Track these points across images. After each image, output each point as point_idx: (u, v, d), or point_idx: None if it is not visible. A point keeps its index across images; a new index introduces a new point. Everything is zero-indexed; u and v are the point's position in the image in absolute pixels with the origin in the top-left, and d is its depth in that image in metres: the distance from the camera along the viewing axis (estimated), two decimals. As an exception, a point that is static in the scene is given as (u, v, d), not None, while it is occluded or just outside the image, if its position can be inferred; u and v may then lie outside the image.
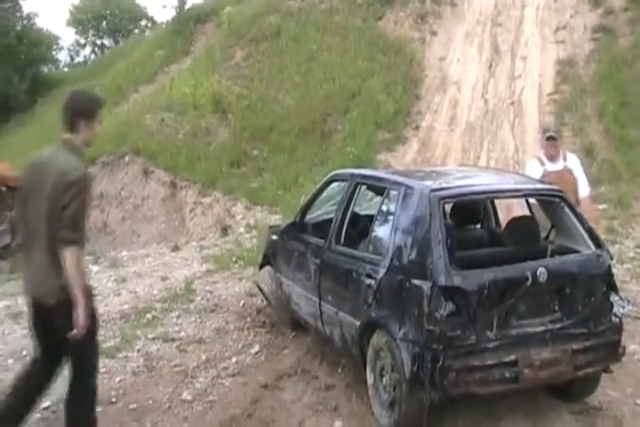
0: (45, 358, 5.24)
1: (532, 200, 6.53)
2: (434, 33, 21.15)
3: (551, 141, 7.57)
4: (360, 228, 6.59)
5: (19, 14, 38.33)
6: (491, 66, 19.08)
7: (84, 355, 5.06)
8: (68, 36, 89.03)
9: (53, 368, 5.26)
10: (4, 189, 15.15)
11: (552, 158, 7.58)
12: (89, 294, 4.87)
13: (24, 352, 7.58)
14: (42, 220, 4.74)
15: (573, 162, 7.70)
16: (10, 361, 7.41)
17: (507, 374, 5.12)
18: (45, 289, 4.86)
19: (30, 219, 4.86)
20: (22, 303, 9.33)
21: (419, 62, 20.03)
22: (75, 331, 4.67)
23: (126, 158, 18.08)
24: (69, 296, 4.67)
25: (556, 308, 5.39)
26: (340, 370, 6.69)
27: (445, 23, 21.39)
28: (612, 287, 5.62)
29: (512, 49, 19.39)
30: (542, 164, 7.60)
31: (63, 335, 4.75)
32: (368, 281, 5.72)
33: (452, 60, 19.84)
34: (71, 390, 5.13)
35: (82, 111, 4.95)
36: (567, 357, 5.28)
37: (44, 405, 6.27)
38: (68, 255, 4.62)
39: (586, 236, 5.79)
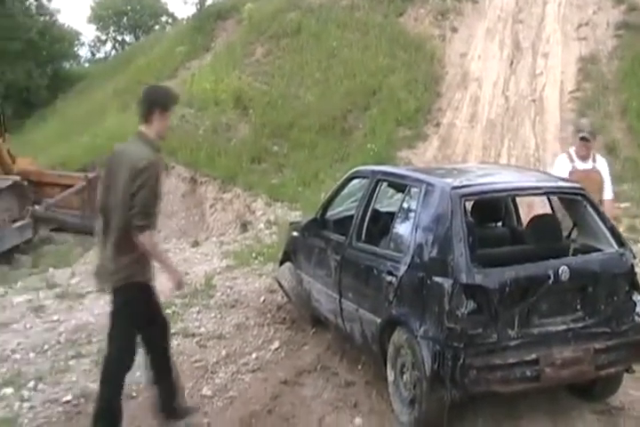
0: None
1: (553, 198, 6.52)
2: (454, 29, 21.06)
3: (583, 142, 7.53)
4: (381, 225, 6.58)
5: (41, 10, 38.56)
6: (512, 63, 18.98)
7: (117, 344, 5.27)
8: (89, 33, 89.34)
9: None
10: (25, 183, 15.23)
11: (582, 158, 7.56)
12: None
13: (45, 346, 7.64)
14: (115, 209, 5.02)
15: (602, 164, 7.69)
16: (31, 355, 7.45)
17: (528, 373, 5.10)
18: (107, 275, 5.21)
19: (108, 208, 5.12)
20: (44, 297, 9.44)
21: (439, 59, 19.95)
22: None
23: (147, 154, 18.13)
24: (124, 284, 5.07)
25: (579, 307, 5.37)
26: (360, 367, 6.69)
27: (466, 20, 21.30)
28: (635, 286, 5.58)
29: (533, 46, 19.28)
30: (572, 160, 7.57)
31: (113, 319, 5.23)
32: (389, 278, 5.72)
33: (473, 57, 19.75)
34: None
35: (157, 103, 5.14)
36: (589, 356, 5.25)
37: (66, 398, 6.31)
38: (145, 241, 4.91)
39: (608, 234, 5.75)
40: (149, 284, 5.29)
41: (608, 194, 7.59)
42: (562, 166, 7.51)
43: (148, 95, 5.25)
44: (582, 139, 7.52)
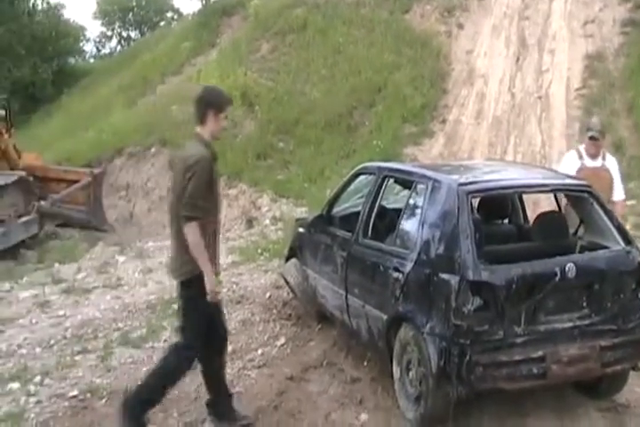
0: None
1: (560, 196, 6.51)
2: (460, 26, 21.01)
3: (592, 141, 7.47)
4: (387, 221, 6.58)
5: (47, 6, 38.60)
6: (518, 59, 18.93)
7: (187, 331, 5.42)
8: (94, 28, 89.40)
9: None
10: (31, 178, 15.25)
11: (592, 156, 7.49)
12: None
13: (51, 341, 7.68)
14: (173, 205, 5.32)
15: (612, 163, 7.60)
16: (38, 350, 7.49)
17: (534, 370, 5.11)
18: (172, 269, 5.57)
19: (170, 206, 5.43)
20: (50, 293, 9.47)
21: (445, 56, 19.91)
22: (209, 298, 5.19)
23: (152, 150, 18.17)
24: (187, 278, 5.25)
25: (585, 304, 5.37)
26: (365, 363, 6.71)
27: (472, 16, 21.23)
28: (642, 284, 5.58)
29: (539, 43, 19.22)
30: (581, 157, 7.50)
31: (180, 313, 5.49)
32: (395, 275, 5.72)
33: (479, 54, 19.71)
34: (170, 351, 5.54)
35: (211, 104, 5.38)
36: (595, 353, 5.25)
37: (72, 393, 6.34)
38: (188, 231, 5.09)
39: (615, 232, 5.75)
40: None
41: (619, 194, 7.49)
42: (570, 163, 7.45)
43: (203, 97, 5.47)
44: (591, 138, 7.45)
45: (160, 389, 5.45)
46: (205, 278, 5.13)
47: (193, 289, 5.24)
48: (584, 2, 19.93)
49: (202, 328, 5.38)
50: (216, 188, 5.38)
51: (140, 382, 5.62)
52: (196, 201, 5.10)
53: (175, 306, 8.39)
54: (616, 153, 13.01)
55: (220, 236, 13.09)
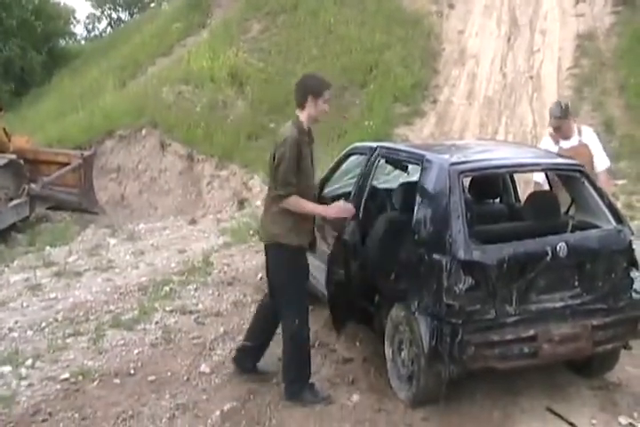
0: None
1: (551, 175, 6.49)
2: (452, 6, 20.92)
3: (555, 131, 7.40)
4: (379, 201, 6.56)
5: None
6: (509, 39, 18.89)
7: (284, 298, 5.75)
8: (84, 9, 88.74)
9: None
10: (22, 161, 15.17)
11: (565, 137, 7.38)
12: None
13: (43, 324, 7.65)
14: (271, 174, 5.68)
15: (589, 136, 7.46)
16: (29, 333, 7.46)
17: (526, 350, 5.12)
18: (262, 232, 6.01)
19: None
20: (41, 276, 9.44)
21: (437, 35, 19.85)
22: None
23: (143, 131, 18.06)
24: (275, 241, 5.66)
25: (576, 283, 5.37)
26: (358, 344, 6.72)
27: (464, -4, 21.16)
28: (633, 263, 5.58)
29: (531, 22, 19.18)
30: (557, 142, 7.41)
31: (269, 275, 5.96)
32: (387, 255, 5.71)
33: (471, 34, 19.65)
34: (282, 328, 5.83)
35: (309, 89, 5.65)
36: (586, 332, 5.26)
37: (64, 376, 6.33)
38: (289, 206, 5.52)
39: (606, 211, 5.75)
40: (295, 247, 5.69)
41: (601, 164, 7.31)
42: (548, 149, 7.36)
43: (302, 82, 5.77)
44: (557, 118, 7.36)
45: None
46: (327, 212, 5.77)
47: (271, 254, 5.83)
48: (576, -19, 19.86)
49: (295, 291, 5.73)
50: (307, 166, 5.63)
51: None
52: (287, 178, 5.45)
53: (167, 288, 8.45)
54: (607, 132, 13.08)
55: (212, 217, 13.18)
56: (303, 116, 5.69)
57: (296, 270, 5.72)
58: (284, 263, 5.71)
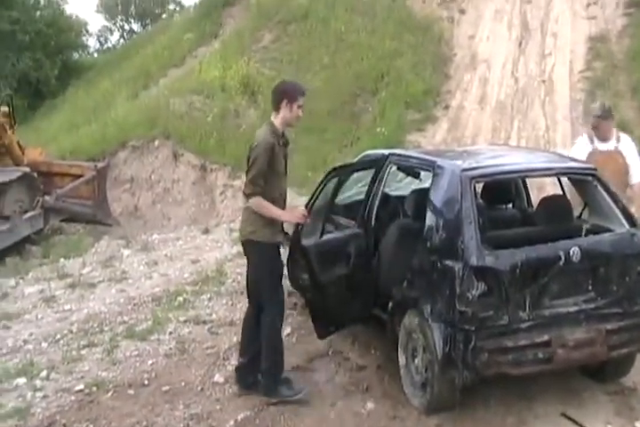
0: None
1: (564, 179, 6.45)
2: (462, 11, 20.88)
3: (598, 120, 7.28)
4: (391, 208, 6.55)
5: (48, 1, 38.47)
6: (520, 43, 18.82)
7: (263, 294, 5.99)
8: (97, 22, 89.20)
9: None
10: (35, 174, 15.25)
11: (603, 139, 7.28)
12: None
13: (57, 336, 7.67)
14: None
15: (627, 144, 7.33)
16: (44, 345, 7.48)
17: (540, 355, 5.09)
18: (240, 230, 6.23)
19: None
20: (55, 287, 9.46)
21: (447, 41, 19.80)
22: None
23: (156, 142, 18.12)
24: (251, 238, 5.92)
25: (590, 287, 5.33)
26: (372, 351, 6.69)
27: (474, 1, 21.06)
28: (647, 266, 5.53)
29: (542, 26, 19.10)
30: (592, 141, 7.32)
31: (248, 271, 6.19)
32: (399, 262, 5.69)
33: (482, 39, 19.59)
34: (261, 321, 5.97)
35: (285, 93, 5.91)
36: (601, 337, 5.23)
37: (78, 388, 6.33)
38: (253, 206, 5.79)
39: (620, 214, 5.71)
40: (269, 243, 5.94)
41: (637, 177, 7.15)
42: (581, 148, 7.22)
43: (278, 88, 6.02)
44: (597, 117, 7.30)
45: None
46: (285, 218, 5.91)
47: (247, 251, 6.13)
48: (587, -16, 19.79)
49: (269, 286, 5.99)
50: (279, 168, 5.87)
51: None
52: (256, 179, 5.70)
53: (181, 298, 8.45)
54: (621, 135, 12.94)
55: (225, 226, 13.14)
56: (278, 119, 5.91)
57: (272, 266, 5.97)
58: (261, 260, 5.96)
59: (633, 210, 6.12)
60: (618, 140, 7.30)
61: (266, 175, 5.72)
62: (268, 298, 5.93)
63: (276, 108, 5.91)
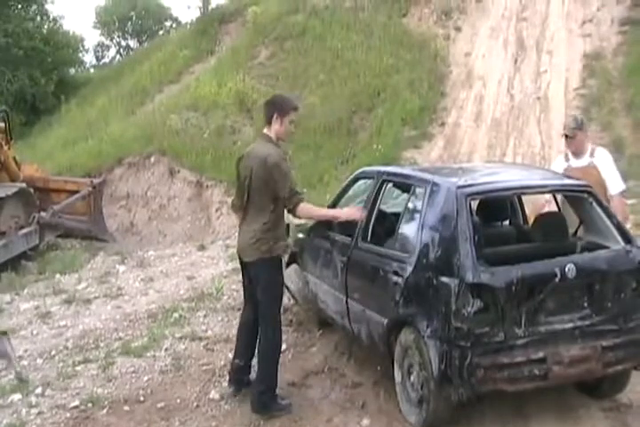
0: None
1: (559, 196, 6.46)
2: (458, 29, 21.04)
3: (568, 140, 7.33)
4: (387, 225, 6.56)
5: (45, 17, 38.54)
6: (516, 61, 18.96)
7: (272, 310, 6.07)
8: (93, 38, 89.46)
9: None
10: (31, 190, 15.24)
11: (576, 154, 7.23)
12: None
13: (53, 352, 7.66)
14: (251, 193, 6.01)
15: (602, 158, 7.22)
16: (39, 361, 7.48)
17: (535, 372, 5.08)
18: (246, 251, 6.18)
19: (243, 193, 6.10)
20: (51, 303, 9.46)
21: (443, 58, 19.94)
22: None
23: (152, 159, 18.17)
24: (265, 257, 5.97)
25: (586, 304, 5.33)
26: (367, 368, 6.67)
27: (470, 19, 21.27)
28: (643, 283, 5.54)
29: (538, 44, 19.25)
30: (567, 159, 7.36)
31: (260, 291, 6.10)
32: (395, 279, 5.69)
33: (477, 56, 19.74)
34: (259, 337, 6.11)
35: (276, 106, 6.01)
36: (597, 354, 5.22)
37: (73, 404, 6.31)
38: (302, 213, 6.12)
39: (615, 231, 5.72)
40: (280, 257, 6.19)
41: (614, 188, 7.07)
42: (557, 166, 7.23)
43: (270, 101, 6.15)
44: (565, 136, 7.32)
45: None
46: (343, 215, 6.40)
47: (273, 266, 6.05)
48: (582, 1, 20.01)
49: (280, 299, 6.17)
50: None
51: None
52: (295, 191, 5.93)
53: (176, 315, 8.44)
54: (616, 152, 12.96)
55: (221, 242, 13.14)
56: (271, 133, 6.02)
57: (282, 280, 6.25)
58: (275, 276, 6.07)
59: None
60: (592, 154, 7.21)
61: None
62: (276, 313, 6.07)
63: (268, 122, 6.02)
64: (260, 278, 6.03)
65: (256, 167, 5.89)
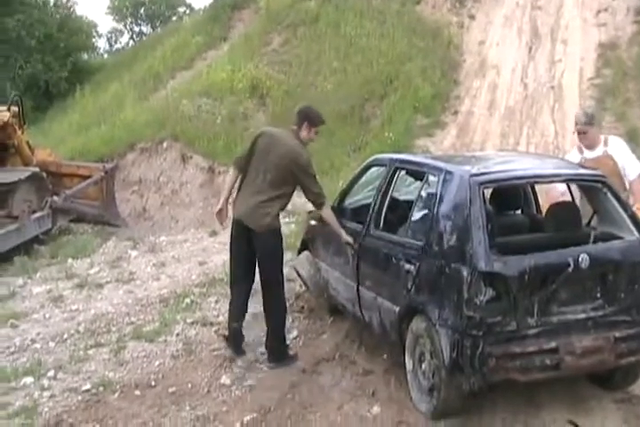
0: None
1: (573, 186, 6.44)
2: (472, 17, 20.88)
3: (580, 135, 7.30)
4: (399, 213, 6.55)
5: (59, 2, 38.53)
6: (530, 50, 18.79)
7: (276, 277, 6.85)
8: (106, 23, 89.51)
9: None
10: (44, 174, 15.26)
11: (589, 147, 7.26)
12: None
13: (65, 336, 7.68)
14: (272, 172, 6.60)
15: (616, 146, 7.25)
16: (51, 344, 7.50)
17: (547, 362, 5.08)
18: (255, 220, 6.65)
19: (255, 168, 6.75)
20: (63, 287, 9.48)
21: (457, 46, 19.80)
22: None
23: (164, 144, 18.13)
24: (270, 228, 6.65)
25: (599, 295, 5.33)
26: (378, 355, 6.68)
27: (484, 7, 21.09)
28: (656, 274, 5.52)
29: (552, 32, 19.07)
30: (581, 152, 7.34)
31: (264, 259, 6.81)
32: (407, 266, 5.70)
33: (491, 44, 19.59)
34: (266, 302, 6.85)
35: (308, 117, 6.75)
36: (609, 345, 5.22)
37: (85, 387, 6.35)
38: (325, 214, 6.87)
39: (629, 222, 5.71)
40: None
41: (633, 172, 7.04)
42: (572, 160, 7.20)
43: (304, 111, 6.85)
44: (577, 132, 7.28)
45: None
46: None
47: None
48: (597, -10, 19.77)
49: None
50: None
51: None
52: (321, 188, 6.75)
53: (188, 300, 8.46)
54: (630, 142, 12.91)
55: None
56: (300, 132, 6.74)
57: (282, 250, 6.88)
58: (278, 244, 6.76)
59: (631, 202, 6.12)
60: (606, 144, 7.22)
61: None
62: (280, 277, 6.83)
63: (299, 126, 6.72)
64: (269, 246, 6.65)
65: (284, 155, 6.56)
